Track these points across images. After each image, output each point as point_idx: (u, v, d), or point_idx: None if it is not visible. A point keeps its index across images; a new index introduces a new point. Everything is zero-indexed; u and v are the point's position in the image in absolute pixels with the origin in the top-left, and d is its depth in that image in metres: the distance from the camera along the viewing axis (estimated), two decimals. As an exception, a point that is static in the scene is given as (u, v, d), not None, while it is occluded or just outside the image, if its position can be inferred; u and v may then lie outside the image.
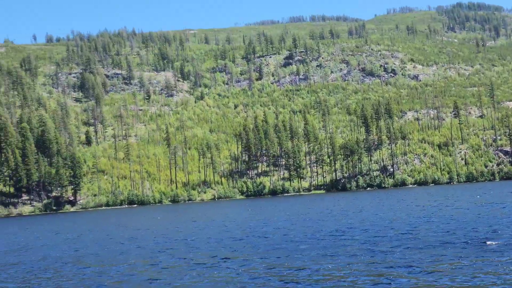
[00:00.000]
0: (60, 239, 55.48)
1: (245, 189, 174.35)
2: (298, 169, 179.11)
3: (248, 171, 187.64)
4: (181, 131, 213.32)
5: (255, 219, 63.57)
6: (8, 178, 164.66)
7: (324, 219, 56.69)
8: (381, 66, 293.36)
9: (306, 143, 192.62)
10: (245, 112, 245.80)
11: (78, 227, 78.30)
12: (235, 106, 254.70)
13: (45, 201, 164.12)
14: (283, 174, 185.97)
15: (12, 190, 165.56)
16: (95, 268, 32.18)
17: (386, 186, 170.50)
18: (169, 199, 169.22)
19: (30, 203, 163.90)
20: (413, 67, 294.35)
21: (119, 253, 38.53)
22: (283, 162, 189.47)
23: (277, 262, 28.83)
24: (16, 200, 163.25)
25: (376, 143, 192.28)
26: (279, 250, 33.82)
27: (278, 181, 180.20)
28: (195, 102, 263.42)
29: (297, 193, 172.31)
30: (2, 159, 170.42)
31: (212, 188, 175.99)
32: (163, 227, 62.70)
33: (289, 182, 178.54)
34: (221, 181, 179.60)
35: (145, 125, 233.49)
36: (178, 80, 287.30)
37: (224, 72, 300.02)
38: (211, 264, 29.30)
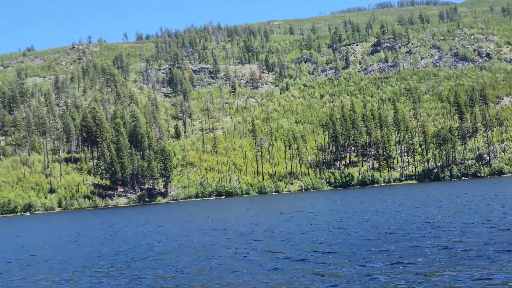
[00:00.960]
0: (149, 230, 57.10)
1: (332, 180, 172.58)
2: (388, 159, 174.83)
3: (335, 162, 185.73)
4: (266, 123, 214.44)
5: (352, 210, 62.10)
6: (104, 172, 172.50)
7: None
8: (474, 50, 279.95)
9: (396, 132, 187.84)
10: (332, 101, 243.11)
11: (170, 217, 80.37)
12: (321, 96, 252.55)
13: (138, 193, 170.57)
14: (372, 165, 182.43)
15: (108, 182, 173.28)
16: (186, 257, 32.61)
17: (482, 175, 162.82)
18: (256, 190, 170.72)
19: (125, 195, 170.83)
20: (510, 50, 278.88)
21: (209, 243, 38.97)
22: (372, 152, 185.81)
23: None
24: (112, 192, 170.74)
25: (470, 130, 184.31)
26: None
27: (367, 171, 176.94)
28: (280, 93, 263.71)
29: (387, 184, 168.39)
30: (99, 154, 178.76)
31: (299, 179, 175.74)
32: (249, 218, 63.03)
33: (378, 172, 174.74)
34: (308, 172, 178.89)
35: (231, 117, 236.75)
36: (263, 72, 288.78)
37: (309, 62, 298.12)
38: (295, 257, 28.77)
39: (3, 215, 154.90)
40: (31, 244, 52.41)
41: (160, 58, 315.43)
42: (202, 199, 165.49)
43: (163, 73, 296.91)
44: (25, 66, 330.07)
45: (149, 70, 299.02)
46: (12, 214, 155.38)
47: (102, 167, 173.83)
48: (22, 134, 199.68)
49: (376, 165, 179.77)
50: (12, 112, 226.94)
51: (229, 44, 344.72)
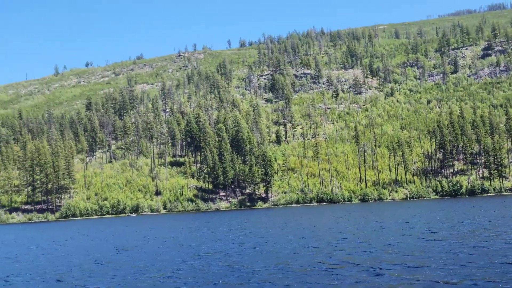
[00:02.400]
0: (246, 232, 56.56)
1: (439, 189, 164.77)
2: (499, 168, 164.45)
3: (442, 170, 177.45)
4: (370, 129, 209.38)
5: (453, 221, 58.37)
6: (207, 176, 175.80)
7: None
8: None
9: (508, 139, 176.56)
10: (439, 107, 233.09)
11: (266, 221, 79.74)
12: (428, 102, 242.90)
13: (239, 197, 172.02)
14: (482, 173, 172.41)
15: (210, 186, 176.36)
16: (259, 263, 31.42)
17: None
18: (358, 197, 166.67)
19: (227, 199, 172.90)
20: None
21: (291, 251, 37.56)
22: (482, 160, 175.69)
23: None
24: (214, 196, 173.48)
25: None
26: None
27: (476, 180, 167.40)
28: (385, 98, 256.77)
29: (498, 194, 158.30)
30: (202, 158, 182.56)
31: (403, 187, 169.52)
32: (345, 226, 60.80)
33: (489, 181, 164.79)
34: (413, 180, 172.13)
35: (333, 123, 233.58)
36: (366, 77, 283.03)
37: (415, 67, 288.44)
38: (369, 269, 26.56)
39: (113, 215, 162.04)
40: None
41: (262, 64, 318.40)
42: (303, 205, 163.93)
43: (265, 79, 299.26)
44: (135, 73, 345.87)
45: (251, 76, 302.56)
46: (121, 215, 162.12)
47: (204, 171, 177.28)
48: (131, 139, 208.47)
49: (486, 173, 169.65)
50: (122, 118, 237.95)
51: (332, 49, 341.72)
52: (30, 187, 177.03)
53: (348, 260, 30.87)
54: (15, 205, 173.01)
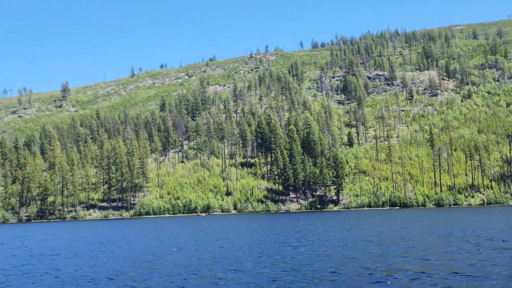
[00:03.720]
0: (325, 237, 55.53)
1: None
2: None
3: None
4: (445, 132, 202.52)
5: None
6: (277, 177, 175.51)
7: None
8: None
9: None
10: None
11: (339, 225, 78.22)
12: (507, 104, 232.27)
13: (310, 200, 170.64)
14: None
15: (281, 188, 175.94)
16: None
17: None
18: (432, 202, 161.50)
19: (297, 201, 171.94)
20: None
21: (342, 255, 36.25)
22: None
23: None
24: (284, 198, 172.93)
25: None
26: None
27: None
28: (462, 101, 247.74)
29: None
30: (272, 159, 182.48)
31: (480, 193, 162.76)
32: (419, 232, 58.48)
33: None
34: (491, 185, 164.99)
35: (407, 126, 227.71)
36: (442, 79, 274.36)
37: (494, 68, 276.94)
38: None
39: (184, 214, 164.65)
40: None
41: (334, 66, 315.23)
42: (374, 208, 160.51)
43: (337, 80, 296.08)
44: (207, 75, 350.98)
45: (323, 78, 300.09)
46: (192, 214, 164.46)
47: (275, 173, 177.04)
48: (203, 139, 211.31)
49: None
50: (194, 119, 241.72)
51: (406, 50, 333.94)
52: (106, 185, 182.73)
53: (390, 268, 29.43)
54: (92, 202, 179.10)
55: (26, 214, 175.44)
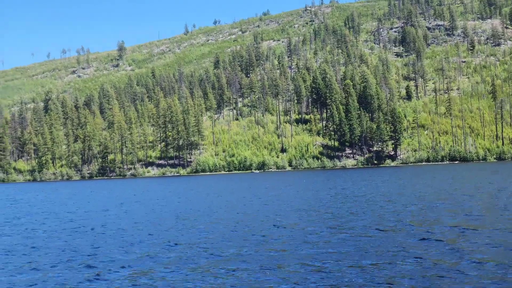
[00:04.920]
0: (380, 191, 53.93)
1: None
2: None
3: None
4: (509, 83, 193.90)
5: None
6: (333, 133, 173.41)
7: None
8: None
9: None
10: None
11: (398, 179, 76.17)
12: None
13: (366, 155, 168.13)
14: None
15: (336, 144, 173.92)
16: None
17: None
18: (494, 156, 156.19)
19: (353, 157, 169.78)
20: None
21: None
22: None
23: None
24: (340, 154, 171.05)
25: None
26: None
27: None
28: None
29: None
30: (328, 115, 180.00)
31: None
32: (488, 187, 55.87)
33: None
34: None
35: (468, 77, 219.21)
36: (506, 27, 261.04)
37: None
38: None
39: (240, 171, 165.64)
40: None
41: (392, 17, 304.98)
42: (433, 163, 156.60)
43: (395, 32, 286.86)
44: (261, 30, 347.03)
45: (381, 30, 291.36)
46: (247, 171, 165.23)
47: (330, 129, 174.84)
48: (257, 96, 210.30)
49: None
50: (248, 75, 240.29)
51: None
52: (163, 143, 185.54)
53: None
54: (150, 160, 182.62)
55: (88, 172, 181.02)
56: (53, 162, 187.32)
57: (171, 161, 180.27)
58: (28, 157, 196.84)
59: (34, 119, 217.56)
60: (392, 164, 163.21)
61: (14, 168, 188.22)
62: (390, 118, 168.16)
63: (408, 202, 42.92)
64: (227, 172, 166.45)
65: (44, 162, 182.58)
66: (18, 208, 57.53)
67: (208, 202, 53.18)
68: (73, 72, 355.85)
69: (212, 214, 40.63)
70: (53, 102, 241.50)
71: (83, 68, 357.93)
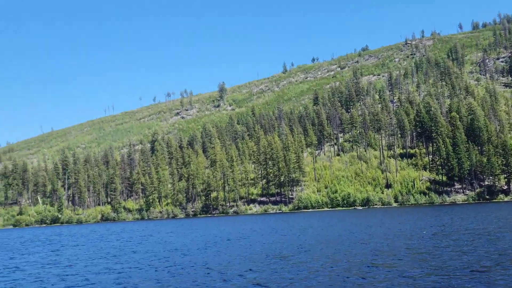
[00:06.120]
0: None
1: None
2: None
3: None
4: None
5: None
6: (440, 167, 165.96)
7: None
8: None
9: None
10: None
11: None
12: None
13: (477, 190, 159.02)
14: None
15: (444, 178, 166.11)
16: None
17: None
18: None
19: (463, 192, 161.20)
20: None
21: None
22: None
23: None
24: (448, 189, 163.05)
25: None
26: None
27: None
28: None
29: None
30: (434, 149, 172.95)
31: None
32: None
33: None
34: None
35: None
36: None
37: None
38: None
39: (343, 208, 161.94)
40: None
41: (498, 46, 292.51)
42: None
43: (502, 61, 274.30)
44: (360, 65, 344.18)
45: (486, 60, 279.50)
46: (351, 208, 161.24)
47: (437, 163, 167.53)
48: (358, 131, 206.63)
49: None
50: (349, 110, 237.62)
51: None
52: (264, 180, 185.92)
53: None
54: (252, 197, 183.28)
55: (192, 209, 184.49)
56: (159, 201, 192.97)
57: (272, 198, 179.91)
58: (137, 196, 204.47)
59: (142, 159, 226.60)
60: (506, 199, 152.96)
61: (124, 207, 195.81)
62: (501, 151, 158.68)
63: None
64: (330, 209, 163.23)
65: (151, 201, 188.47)
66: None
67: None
68: (177, 113, 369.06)
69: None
70: (159, 143, 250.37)
71: (186, 110, 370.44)
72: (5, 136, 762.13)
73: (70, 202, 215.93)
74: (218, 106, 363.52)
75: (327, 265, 29.72)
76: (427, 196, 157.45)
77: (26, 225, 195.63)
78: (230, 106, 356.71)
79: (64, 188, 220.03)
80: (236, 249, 43.39)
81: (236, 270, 29.75)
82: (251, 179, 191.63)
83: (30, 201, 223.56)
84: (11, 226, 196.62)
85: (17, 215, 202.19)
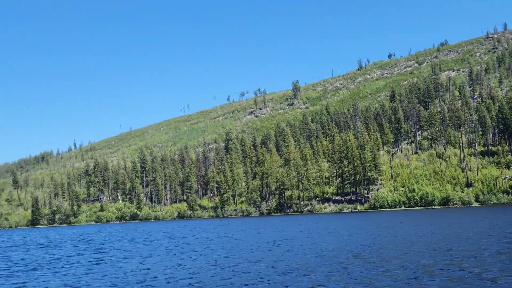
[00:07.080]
0: None
1: None
2: None
3: None
4: None
5: None
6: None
7: None
8: None
9: None
10: None
11: None
12: None
13: None
14: None
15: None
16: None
17: None
18: None
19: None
20: None
21: None
22: None
23: None
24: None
25: None
26: None
27: None
28: None
29: None
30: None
31: None
32: None
33: None
34: None
35: None
36: None
37: None
38: None
39: (421, 208, 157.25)
40: None
41: None
42: None
43: None
44: (439, 61, 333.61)
45: None
46: (429, 207, 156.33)
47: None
48: (437, 128, 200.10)
49: None
50: (427, 107, 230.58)
51: None
52: (339, 179, 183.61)
53: None
54: (326, 196, 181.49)
55: (266, 208, 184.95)
56: (233, 199, 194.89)
57: (347, 197, 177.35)
58: (212, 195, 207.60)
59: (216, 158, 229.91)
60: None
61: (199, 205, 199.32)
62: None
63: None
64: (407, 208, 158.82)
65: (225, 199, 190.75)
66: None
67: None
68: (251, 112, 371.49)
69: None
70: (233, 142, 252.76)
71: (260, 109, 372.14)
72: (87, 136, 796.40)
73: (148, 200, 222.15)
74: (292, 104, 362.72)
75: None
76: (510, 195, 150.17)
77: (107, 221, 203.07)
78: (304, 104, 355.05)
79: (142, 186, 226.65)
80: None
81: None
82: (326, 178, 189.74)
83: (110, 198, 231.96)
84: (93, 222, 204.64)
85: (99, 211, 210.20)
